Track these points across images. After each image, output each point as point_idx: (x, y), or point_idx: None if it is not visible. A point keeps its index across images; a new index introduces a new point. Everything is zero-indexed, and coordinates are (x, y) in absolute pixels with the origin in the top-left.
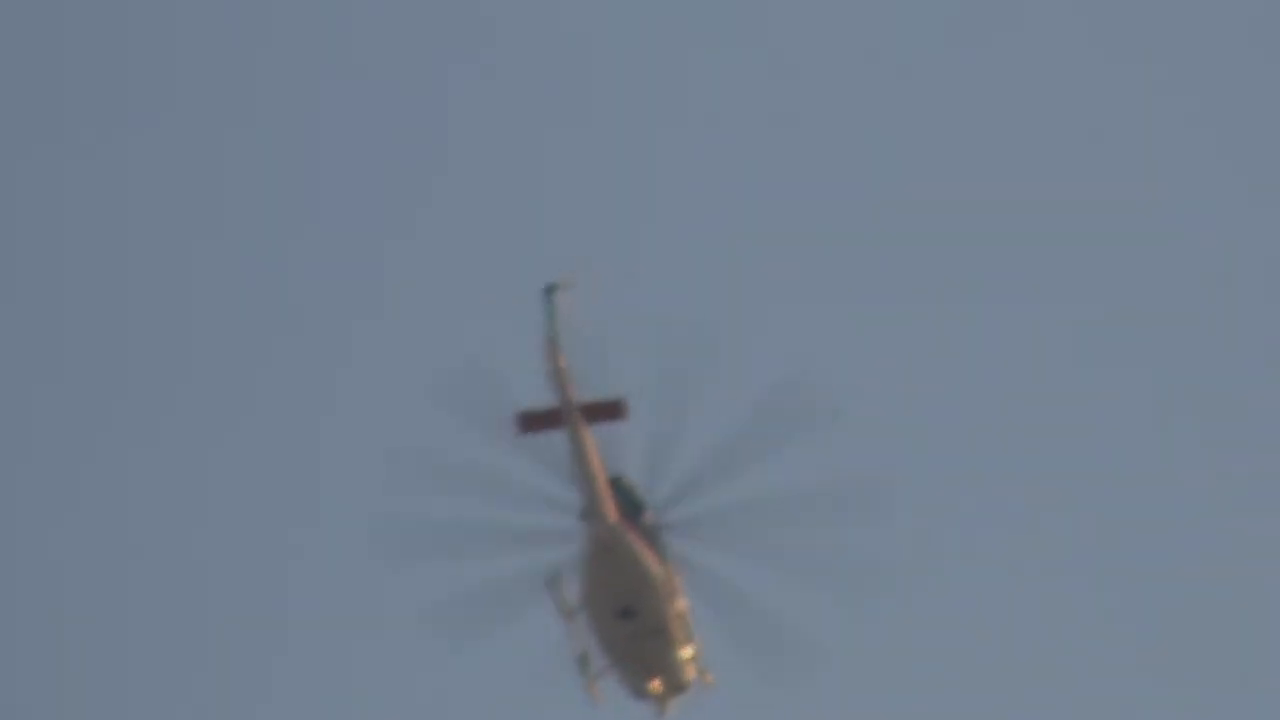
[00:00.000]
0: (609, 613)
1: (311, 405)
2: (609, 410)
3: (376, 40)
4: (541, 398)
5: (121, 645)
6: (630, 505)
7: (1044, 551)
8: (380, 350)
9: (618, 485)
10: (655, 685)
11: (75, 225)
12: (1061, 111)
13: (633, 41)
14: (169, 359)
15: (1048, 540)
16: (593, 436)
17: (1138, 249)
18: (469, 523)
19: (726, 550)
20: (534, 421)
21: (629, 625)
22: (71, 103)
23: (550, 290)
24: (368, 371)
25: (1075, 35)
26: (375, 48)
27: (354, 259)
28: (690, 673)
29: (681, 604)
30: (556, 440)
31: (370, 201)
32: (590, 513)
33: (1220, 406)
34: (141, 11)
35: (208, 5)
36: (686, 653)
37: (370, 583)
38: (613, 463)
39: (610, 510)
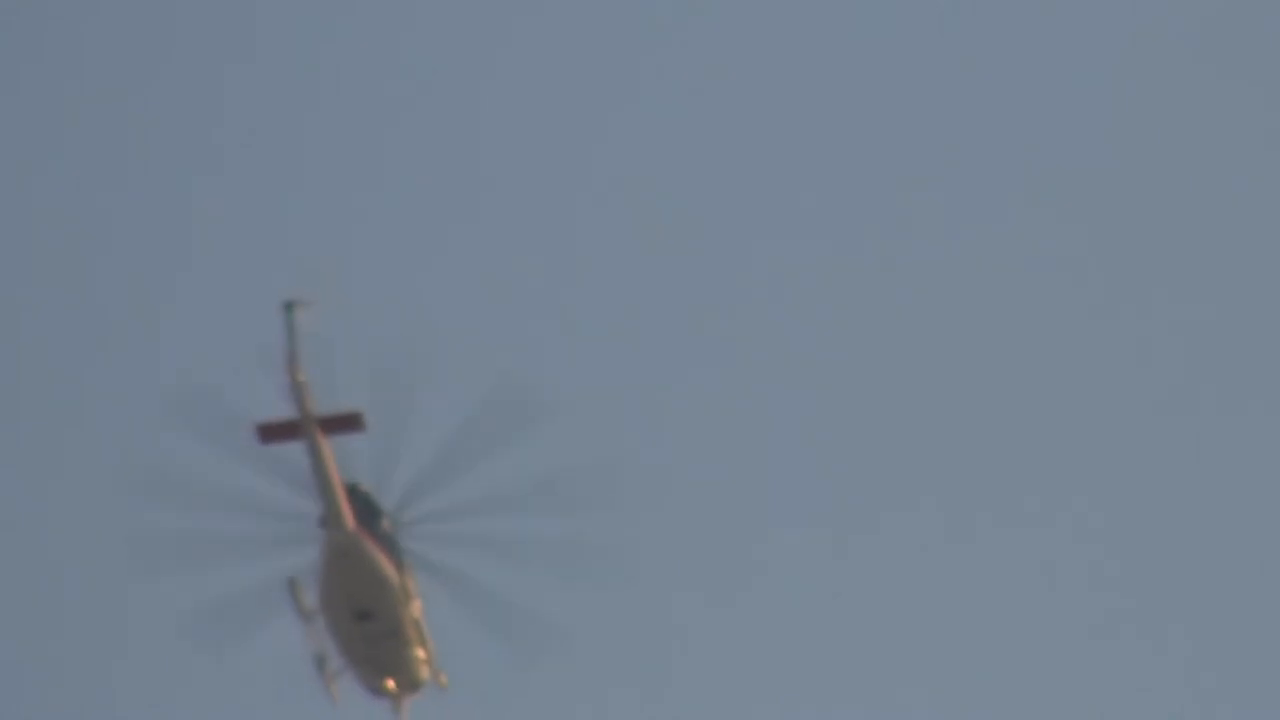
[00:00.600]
0: (346, 616)
1: (47, 419)
2: (347, 422)
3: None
4: (280, 410)
5: None
6: (367, 512)
7: (773, 518)
8: (117, 364)
9: (354, 493)
10: (390, 684)
11: None
12: None
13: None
14: None
15: (778, 511)
16: (330, 447)
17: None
18: (209, 534)
19: (463, 549)
20: (273, 432)
21: (365, 627)
22: None
23: (289, 306)
24: (104, 385)
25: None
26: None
27: (94, 266)
28: (425, 673)
29: (417, 607)
30: (293, 451)
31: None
32: (328, 520)
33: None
34: None
35: None
36: (421, 654)
37: (118, 599)
38: (349, 471)
39: (347, 517)
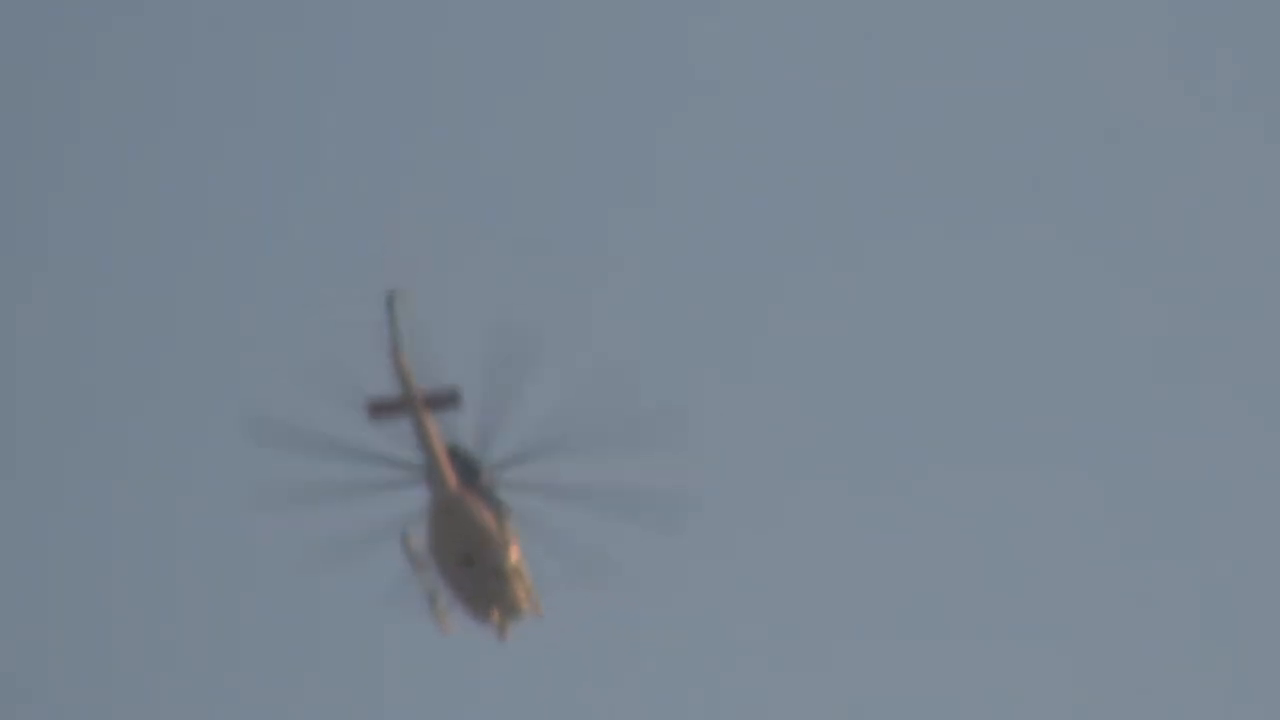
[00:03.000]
0: (453, 562)
1: (199, 391)
2: (446, 398)
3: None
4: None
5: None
6: (467, 469)
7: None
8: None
9: (455, 453)
10: (495, 614)
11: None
12: None
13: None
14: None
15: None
16: (433, 419)
17: None
18: (336, 484)
19: (550, 497)
20: (382, 409)
21: (471, 570)
22: None
23: (390, 298)
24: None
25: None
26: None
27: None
28: (524, 603)
29: (515, 549)
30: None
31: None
32: (432, 480)
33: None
34: None
35: None
36: (520, 589)
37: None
38: (451, 434)
39: (450, 477)
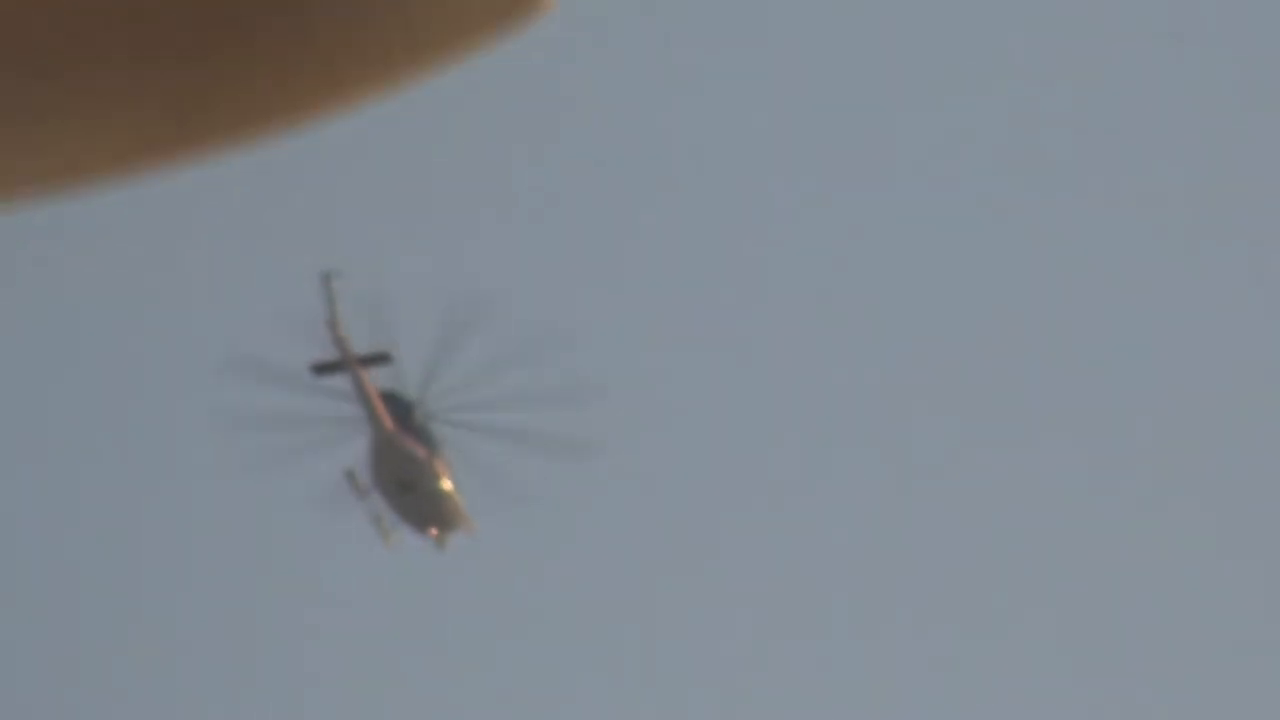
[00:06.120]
0: (394, 489)
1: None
2: (378, 359)
3: None
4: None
5: None
6: (401, 410)
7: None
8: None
9: (389, 397)
10: (433, 531)
11: None
12: None
13: None
14: None
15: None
16: (369, 375)
17: None
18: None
19: (476, 434)
20: (325, 369)
21: (408, 496)
22: None
23: (326, 277)
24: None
25: None
26: None
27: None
28: (458, 521)
29: (446, 477)
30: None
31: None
32: (371, 422)
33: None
34: None
35: None
36: (453, 510)
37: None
38: (385, 382)
39: (386, 420)
